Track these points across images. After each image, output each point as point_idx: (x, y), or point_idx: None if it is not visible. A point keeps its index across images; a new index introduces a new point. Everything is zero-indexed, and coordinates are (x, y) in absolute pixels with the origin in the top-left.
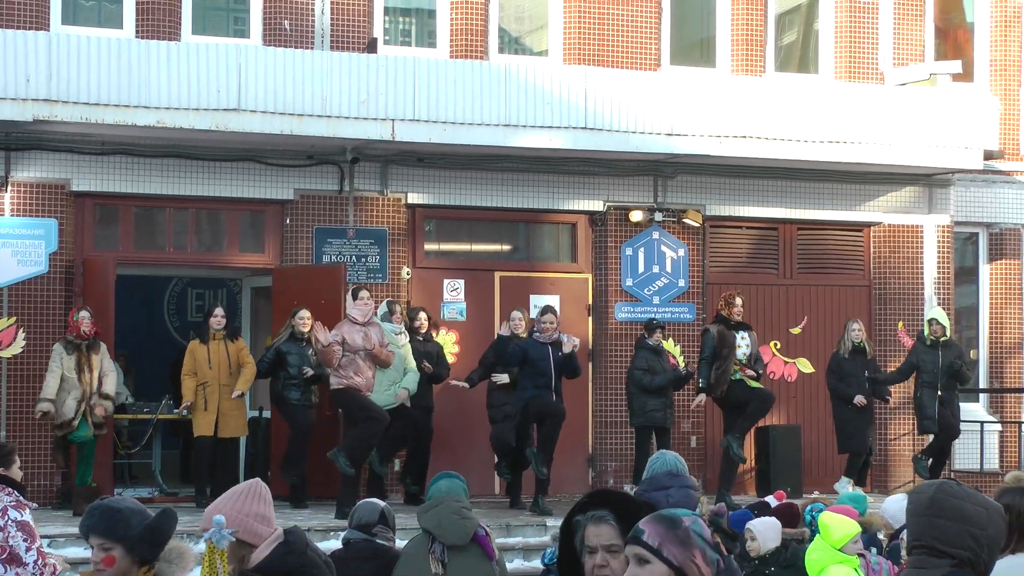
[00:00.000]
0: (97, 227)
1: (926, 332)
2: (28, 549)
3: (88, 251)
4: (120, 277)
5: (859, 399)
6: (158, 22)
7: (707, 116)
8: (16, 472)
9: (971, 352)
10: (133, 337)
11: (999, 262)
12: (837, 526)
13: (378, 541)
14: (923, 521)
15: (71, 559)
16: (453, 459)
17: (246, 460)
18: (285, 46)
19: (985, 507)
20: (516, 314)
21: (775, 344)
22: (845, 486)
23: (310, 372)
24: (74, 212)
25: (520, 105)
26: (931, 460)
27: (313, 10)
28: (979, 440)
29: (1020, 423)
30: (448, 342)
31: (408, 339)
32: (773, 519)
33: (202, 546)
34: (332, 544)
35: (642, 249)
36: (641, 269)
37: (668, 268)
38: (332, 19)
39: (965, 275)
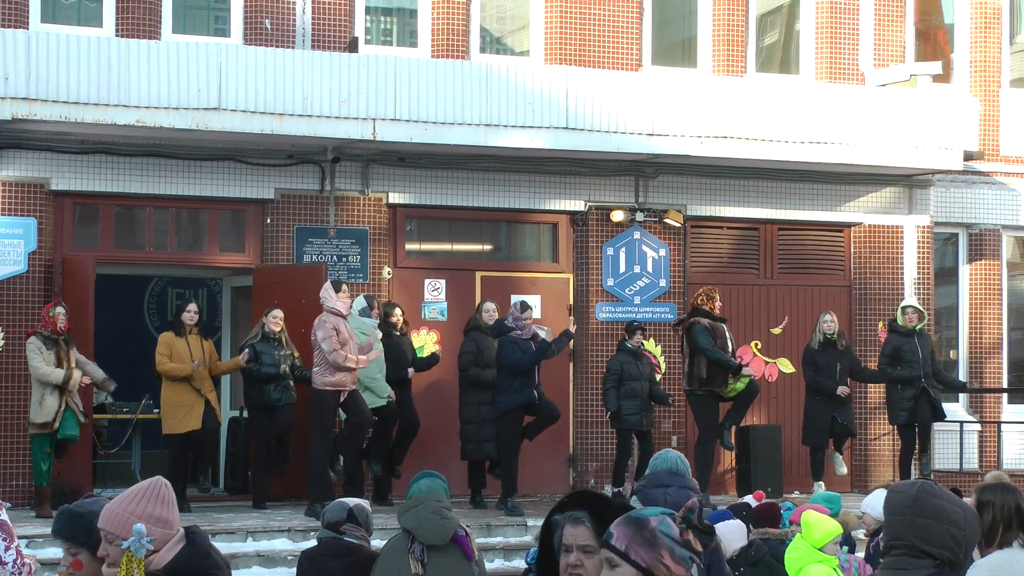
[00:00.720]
0: (76, 226)
1: (900, 320)
2: (7, 548)
3: (67, 250)
4: (100, 276)
5: (842, 389)
6: (138, 21)
7: (688, 116)
8: None
9: (951, 352)
10: (112, 337)
11: (979, 262)
12: (819, 525)
13: (346, 539)
14: (904, 520)
15: (47, 559)
16: (435, 459)
17: (226, 460)
18: (266, 45)
19: (961, 507)
20: (489, 305)
21: (756, 344)
22: (837, 459)
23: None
24: (53, 211)
25: (501, 105)
26: (916, 449)
27: (294, 9)
28: (959, 440)
29: (999, 423)
30: (429, 341)
31: (381, 335)
32: (736, 521)
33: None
34: (311, 544)
35: (623, 249)
36: (622, 269)
37: (649, 268)
38: (313, 18)
39: (945, 275)
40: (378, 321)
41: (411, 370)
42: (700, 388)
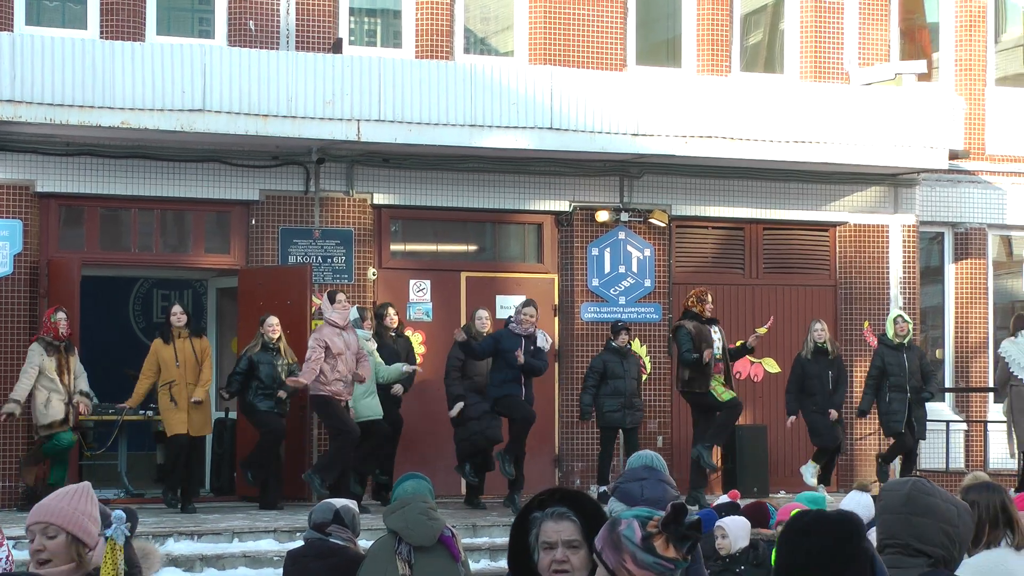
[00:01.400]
0: (62, 228)
1: (890, 332)
2: None
3: (53, 252)
4: (85, 278)
5: (832, 414)
6: (122, 23)
7: (673, 116)
8: None
9: (936, 352)
10: (98, 338)
11: (964, 262)
12: None
13: (332, 540)
14: (899, 519)
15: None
16: (420, 459)
17: (212, 460)
18: (250, 47)
19: (954, 504)
20: (482, 312)
21: (741, 343)
22: (810, 470)
23: (284, 395)
24: (39, 213)
25: (486, 105)
26: (899, 463)
27: (278, 10)
28: (944, 440)
29: (985, 423)
30: (414, 342)
31: (376, 345)
32: (742, 518)
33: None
34: (296, 545)
35: (608, 249)
36: (607, 269)
37: (634, 268)
38: (297, 19)
39: (931, 275)
40: (372, 332)
41: (400, 387)
42: (684, 389)
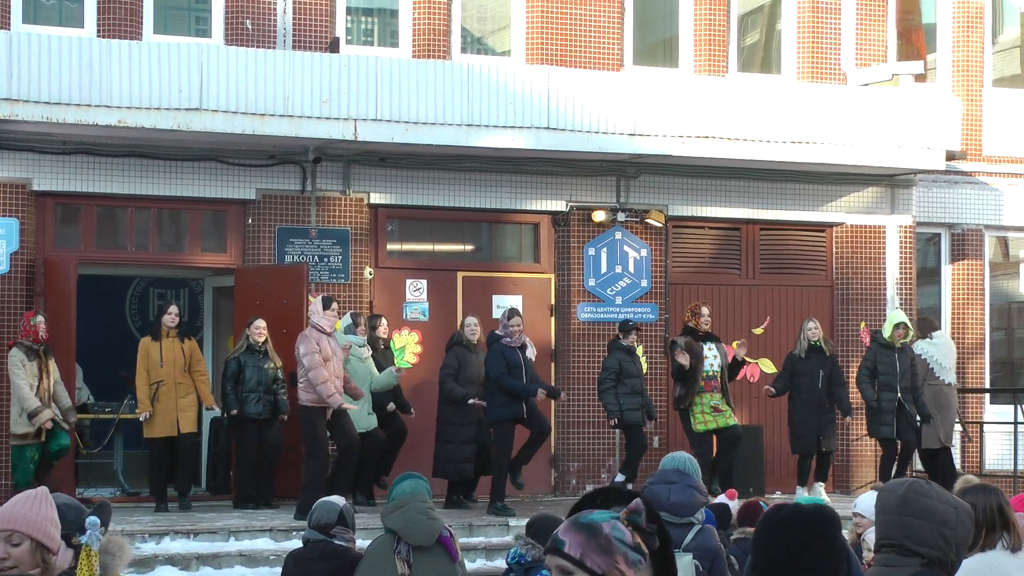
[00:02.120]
0: (58, 227)
1: (887, 334)
2: None
3: (49, 251)
4: (81, 277)
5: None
6: (119, 21)
7: (670, 116)
8: None
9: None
10: (94, 337)
11: (961, 262)
12: None
13: (336, 542)
14: (893, 519)
15: None
16: (416, 461)
17: (208, 459)
18: (247, 46)
19: (954, 506)
20: (471, 320)
21: (736, 343)
22: (819, 491)
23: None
24: (35, 212)
25: (483, 105)
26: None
27: (275, 10)
28: None
29: (982, 423)
30: (411, 342)
31: (370, 352)
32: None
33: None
34: (293, 544)
35: (605, 249)
36: (604, 269)
37: (631, 268)
38: (294, 19)
39: (927, 276)
40: (365, 339)
41: (391, 405)
42: (676, 405)
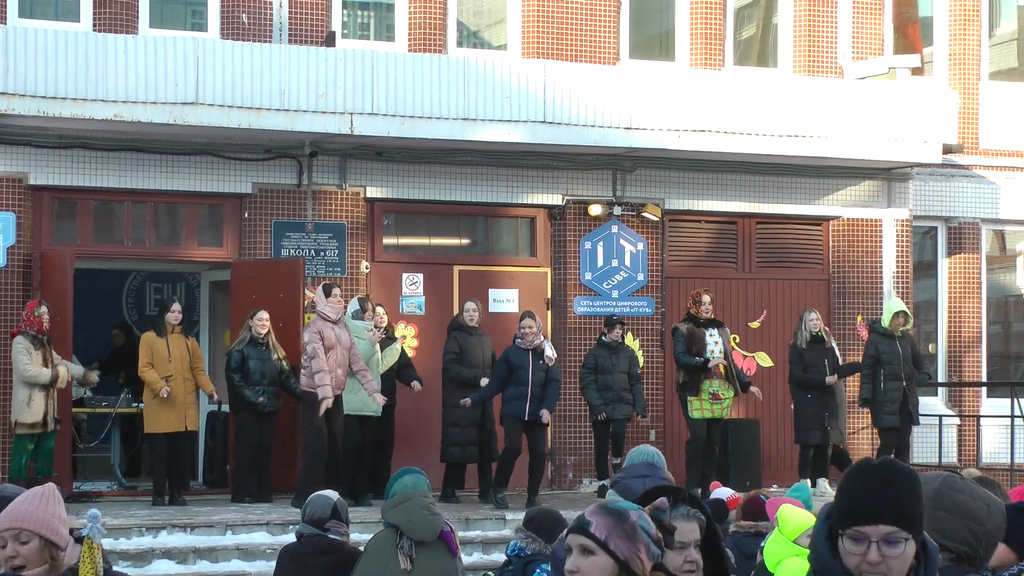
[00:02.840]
0: (55, 221)
1: (886, 323)
2: None
3: (46, 245)
4: (78, 271)
5: (830, 379)
6: (116, 15)
7: (666, 110)
8: None
9: (930, 346)
10: (91, 332)
11: (958, 256)
12: (791, 519)
13: (330, 536)
14: (926, 513)
15: None
16: (412, 455)
17: (204, 453)
18: (243, 40)
19: (987, 503)
20: (470, 304)
21: (734, 338)
22: (823, 487)
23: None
24: (32, 206)
25: (479, 99)
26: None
27: (271, 4)
28: (937, 434)
29: (979, 417)
30: (407, 336)
31: (380, 337)
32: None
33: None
34: (290, 538)
35: (601, 243)
36: (600, 263)
37: (627, 262)
38: (290, 12)
39: (924, 269)
40: (373, 324)
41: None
42: (678, 390)
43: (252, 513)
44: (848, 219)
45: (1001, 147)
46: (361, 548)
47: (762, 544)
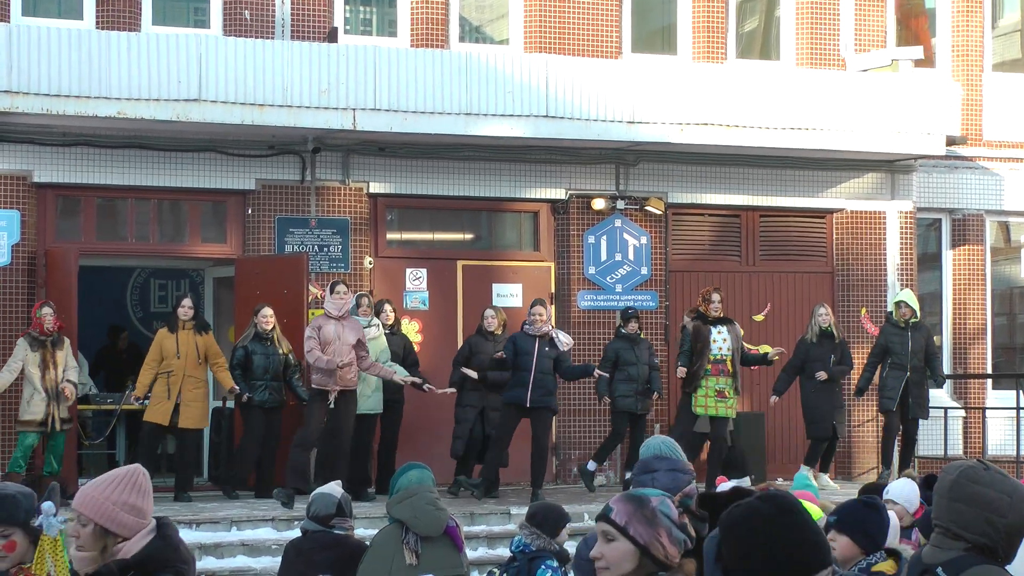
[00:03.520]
0: (59, 218)
1: (894, 315)
2: None
3: (50, 242)
4: (82, 268)
5: (820, 375)
6: (118, 13)
7: (669, 104)
8: None
9: (934, 338)
10: (95, 329)
11: (962, 248)
12: None
13: (335, 531)
14: (943, 503)
15: None
16: (414, 451)
17: (210, 449)
18: (246, 36)
19: (1010, 495)
20: (489, 312)
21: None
22: (805, 475)
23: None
24: (36, 203)
25: (481, 93)
26: (898, 451)
27: (273, 0)
28: (943, 426)
29: (984, 409)
30: (411, 331)
31: (380, 331)
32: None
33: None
34: (295, 534)
35: (604, 237)
36: (603, 257)
37: (631, 256)
38: (292, 9)
39: (928, 261)
40: (370, 319)
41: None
42: (684, 387)
43: (257, 509)
44: (852, 211)
45: (1005, 138)
46: (367, 543)
47: None
